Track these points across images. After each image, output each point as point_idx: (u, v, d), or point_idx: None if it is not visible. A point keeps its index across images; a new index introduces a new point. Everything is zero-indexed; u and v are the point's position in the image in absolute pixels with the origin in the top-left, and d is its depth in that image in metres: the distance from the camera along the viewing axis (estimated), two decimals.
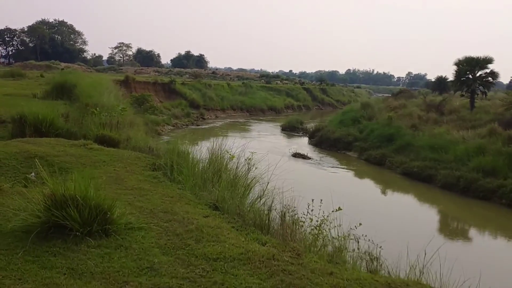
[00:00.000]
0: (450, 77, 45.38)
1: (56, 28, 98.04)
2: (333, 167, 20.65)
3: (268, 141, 28.44)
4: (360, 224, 5.02)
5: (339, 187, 15.45)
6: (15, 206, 4.18)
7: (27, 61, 58.51)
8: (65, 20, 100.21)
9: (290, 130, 33.53)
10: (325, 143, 26.45)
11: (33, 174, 5.71)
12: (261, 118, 44.26)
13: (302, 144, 28.10)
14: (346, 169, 20.71)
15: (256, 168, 6.51)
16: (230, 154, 6.82)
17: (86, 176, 4.46)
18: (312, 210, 5.26)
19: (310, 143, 28.47)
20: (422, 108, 28.43)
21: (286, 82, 74.20)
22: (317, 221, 5.22)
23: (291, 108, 53.86)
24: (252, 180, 6.35)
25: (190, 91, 41.59)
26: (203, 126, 33.88)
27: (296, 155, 22.51)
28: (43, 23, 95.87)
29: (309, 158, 22.07)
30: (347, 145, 24.83)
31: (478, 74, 26.19)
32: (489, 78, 26.04)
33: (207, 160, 7.04)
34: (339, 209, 4.94)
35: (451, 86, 28.11)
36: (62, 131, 9.38)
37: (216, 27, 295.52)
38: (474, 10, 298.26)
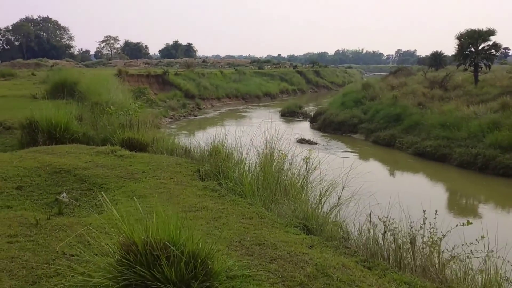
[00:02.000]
0: (446, 52, 45.51)
1: (41, 25, 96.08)
2: (342, 151, 20.00)
3: (270, 128, 27.74)
4: (483, 237, 3.94)
5: (361, 173, 14.74)
6: (71, 261, 3.13)
7: (15, 60, 57.01)
8: (49, 16, 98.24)
9: (289, 115, 32.78)
10: (328, 126, 25.78)
11: (64, 194, 4.97)
12: (257, 104, 43.47)
13: (304, 128, 27.40)
14: (356, 152, 20.08)
15: (315, 168, 5.73)
16: (281, 153, 6.09)
17: (158, 203, 3.50)
18: (423, 224, 4.23)
19: (312, 127, 27.81)
20: (425, 85, 27.81)
21: (278, 66, 73.28)
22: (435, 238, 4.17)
23: (286, 93, 53.06)
24: (328, 186, 5.46)
25: (184, 81, 40.62)
26: (201, 117, 33.07)
27: (302, 141, 21.80)
28: (27, 20, 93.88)
29: (315, 144, 21.41)
30: (353, 127, 24.20)
31: (480, 47, 25.59)
32: (492, 51, 25.43)
33: (254, 161, 6.32)
34: (469, 223, 4.03)
35: (454, 60, 27.43)
36: (78, 135, 8.56)
37: (201, 14, 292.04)
38: None
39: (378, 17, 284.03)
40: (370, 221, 4.28)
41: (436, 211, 4.27)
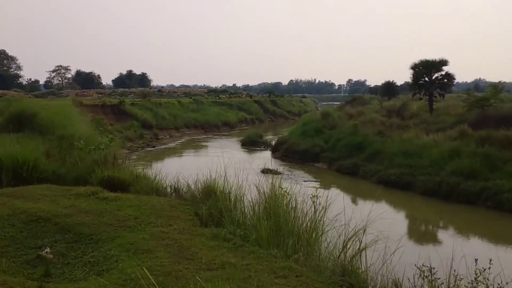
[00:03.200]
0: (396, 82, 47.26)
1: None
2: (306, 180, 19.79)
3: (231, 157, 27.33)
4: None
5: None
6: None
7: None
8: None
9: (250, 144, 32.51)
10: (291, 156, 25.64)
11: (47, 249, 4.20)
12: (217, 133, 43.04)
13: (266, 158, 26.98)
14: (320, 182, 19.93)
15: (325, 208, 5.27)
16: (284, 191, 5.65)
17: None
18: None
19: (274, 156, 27.52)
20: (382, 114, 28.46)
21: (234, 96, 73.50)
22: None
23: (245, 122, 53.01)
24: (347, 228, 4.92)
25: (141, 111, 39.70)
26: (160, 147, 32.18)
27: (266, 171, 21.40)
28: None
29: (279, 173, 21.03)
30: (315, 156, 24.19)
31: (434, 77, 26.58)
32: (445, 80, 26.48)
33: (251, 200, 5.82)
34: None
35: (409, 89, 28.34)
36: (47, 174, 7.67)
37: (154, 44, 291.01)
38: (412, 15, 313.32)
39: (330, 48, 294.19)
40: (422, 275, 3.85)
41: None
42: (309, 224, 4.95)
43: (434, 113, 26.13)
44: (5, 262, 3.93)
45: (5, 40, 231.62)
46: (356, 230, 4.70)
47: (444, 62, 26.24)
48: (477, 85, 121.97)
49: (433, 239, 12.78)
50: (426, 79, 26.55)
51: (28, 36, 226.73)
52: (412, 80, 26.95)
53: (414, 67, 26.80)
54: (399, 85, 49.01)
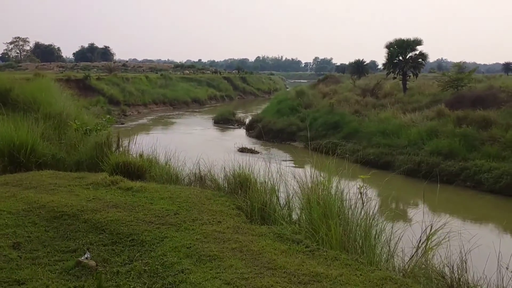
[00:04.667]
0: (367, 60, 47.52)
1: None
2: (285, 160, 19.55)
3: (206, 136, 26.87)
4: None
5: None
6: None
7: None
8: None
9: (223, 122, 31.97)
10: (266, 134, 25.27)
11: (87, 255, 3.44)
12: (187, 110, 42.12)
13: (240, 136, 26.76)
14: (299, 161, 19.74)
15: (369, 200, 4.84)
16: (325, 180, 5.18)
17: None
18: None
19: (249, 135, 27.24)
20: (356, 92, 28.49)
21: (201, 71, 72.17)
22: None
23: (215, 99, 52.16)
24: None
25: (107, 86, 38.19)
26: (130, 124, 31.10)
27: (244, 150, 21.10)
28: None
29: (257, 152, 20.75)
30: (291, 135, 23.95)
31: (408, 56, 26.69)
32: (420, 60, 26.65)
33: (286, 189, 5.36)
34: None
35: (384, 68, 28.38)
36: (46, 159, 6.91)
37: (117, 16, 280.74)
38: None
39: (296, 26, 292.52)
40: None
41: None
42: (364, 219, 4.57)
43: (407, 93, 26.34)
44: (41, 271, 3.22)
45: None
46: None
47: (418, 42, 26.36)
48: (440, 65, 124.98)
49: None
50: (401, 58, 26.63)
51: None
52: (387, 59, 26.98)
53: (389, 46, 26.81)
54: (367, 63, 49.51)
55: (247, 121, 31.19)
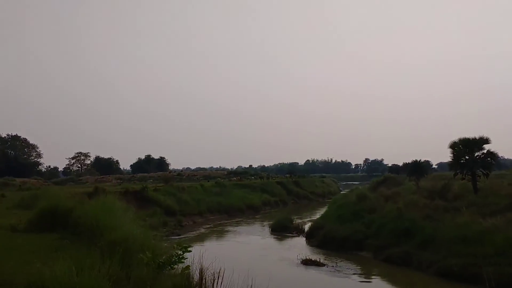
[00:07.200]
0: (423, 159, 45.95)
1: (9, 143, 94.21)
2: (355, 274, 17.85)
3: (265, 246, 25.63)
4: None
5: None
6: None
7: None
8: (18, 134, 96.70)
9: (281, 230, 30.71)
10: (329, 243, 23.74)
11: None
12: (242, 218, 41.27)
13: (300, 246, 25.33)
14: (374, 275, 17.93)
15: None
16: None
17: None
18: None
19: (309, 244, 25.72)
20: (422, 194, 26.83)
21: (255, 177, 72.58)
22: None
23: (269, 205, 51.34)
24: None
25: (164, 197, 38.53)
26: (186, 236, 30.45)
27: (308, 262, 19.64)
28: None
29: (323, 265, 19.24)
30: (357, 244, 22.25)
31: (476, 155, 25.26)
32: (488, 159, 25.10)
33: None
34: None
35: (450, 169, 26.85)
36: None
37: (170, 128, 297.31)
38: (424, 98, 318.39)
39: (346, 128, 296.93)
40: None
41: None
42: None
43: (479, 194, 24.44)
44: None
45: (26, 128, 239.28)
46: None
47: (485, 140, 25.01)
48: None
49: None
50: (467, 157, 25.23)
51: (47, 124, 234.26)
52: (453, 159, 25.61)
53: (454, 146, 25.60)
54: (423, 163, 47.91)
55: (306, 228, 29.83)
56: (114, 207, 11.01)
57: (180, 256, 6.83)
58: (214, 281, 5.48)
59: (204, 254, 6.21)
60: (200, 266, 5.62)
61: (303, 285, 16.72)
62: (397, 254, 19.14)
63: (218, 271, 5.63)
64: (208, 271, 5.70)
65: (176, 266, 6.84)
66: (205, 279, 5.47)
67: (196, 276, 5.58)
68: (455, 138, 25.67)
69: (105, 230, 8.90)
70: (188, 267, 6.07)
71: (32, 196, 18.10)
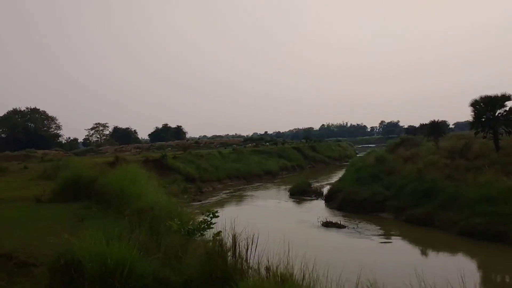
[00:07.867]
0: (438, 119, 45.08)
1: (28, 116, 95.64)
2: (376, 235, 17.93)
3: (285, 209, 25.90)
4: None
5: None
6: None
7: (2, 153, 55.03)
8: (37, 107, 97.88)
9: (299, 194, 30.88)
10: (349, 205, 23.81)
11: None
12: (260, 184, 41.62)
13: (320, 208, 25.49)
14: (394, 236, 18.02)
15: None
16: None
17: None
18: None
19: (329, 206, 25.86)
20: (444, 155, 26.51)
21: (271, 143, 72.69)
22: None
23: (286, 170, 51.60)
24: None
25: (183, 164, 38.96)
26: (207, 201, 30.88)
27: (328, 224, 19.79)
28: (14, 112, 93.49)
29: (344, 227, 19.37)
30: (377, 205, 22.27)
31: (497, 113, 24.72)
32: (511, 116, 24.52)
33: None
34: None
35: (471, 127, 26.38)
36: (146, 280, 5.17)
37: (187, 96, 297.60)
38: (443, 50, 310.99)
39: (360, 91, 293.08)
40: None
41: None
42: None
43: (502, 152, 24.04)
44: None
45: (45, 101, 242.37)
46: None
47: (507, 98, 24.38)
48: None
49: None
50: (489, 116, 24.71)
51: (67, 96, 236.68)
52: (474, 117, 25.09)
53: (475, 104, 25.01)
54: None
55: (324, 191, 29.94)
56: (138, 175, 11.01)
57: (209, 222, 6.83)
58: (248, 246, 5.48)
59: (236, 220, 6.19)
60: (233, 231, 5.61)
61: (327, 247, 16.86)
62: (418, 215, 19.14)
63: (252, 236, 5.60)
64: (241, 236, 5.69)
65: (205, 232, 6.85)
66: (238, 244, 5.47)
67: (229, 242, 5.58)
68: (473, 97, 25.14)
69: (130, 199, 8.87)
70: (219, 232, 6.03)
71: (55, 167, 18.36)
